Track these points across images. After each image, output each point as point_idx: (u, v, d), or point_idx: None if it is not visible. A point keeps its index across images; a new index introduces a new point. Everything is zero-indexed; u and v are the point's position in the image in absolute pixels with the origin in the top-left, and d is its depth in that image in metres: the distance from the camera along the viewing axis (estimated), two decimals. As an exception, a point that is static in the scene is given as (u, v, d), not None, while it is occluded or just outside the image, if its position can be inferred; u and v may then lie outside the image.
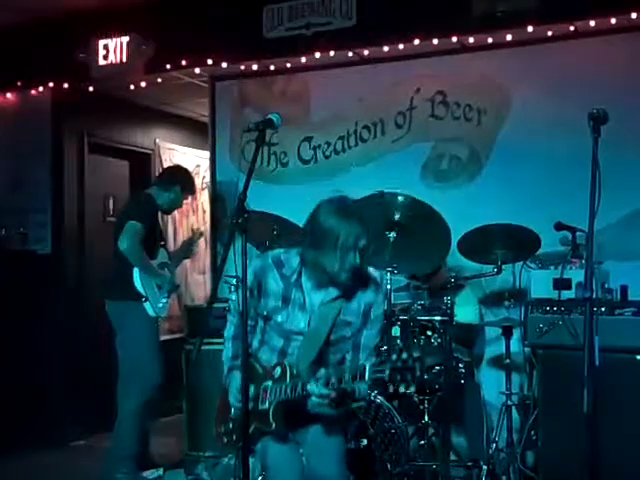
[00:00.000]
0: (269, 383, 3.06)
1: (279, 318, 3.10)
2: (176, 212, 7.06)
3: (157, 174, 7.38)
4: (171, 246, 6.67)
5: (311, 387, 2.89)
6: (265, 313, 3.13)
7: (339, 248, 2.94)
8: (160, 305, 5.10)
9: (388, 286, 4.51)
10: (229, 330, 3.28)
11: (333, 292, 3.09)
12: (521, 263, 4.61)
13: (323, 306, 3.09)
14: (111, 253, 5.23)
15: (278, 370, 3.05)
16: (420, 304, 4.64)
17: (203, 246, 7.70)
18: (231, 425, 3.19)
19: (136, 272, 4.98)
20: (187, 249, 5.63)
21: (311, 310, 3.10)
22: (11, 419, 5.97)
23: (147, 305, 5.00)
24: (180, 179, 5.38)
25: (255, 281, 3.09)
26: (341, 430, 3.26)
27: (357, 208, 3.08)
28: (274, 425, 3.01)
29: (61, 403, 6.32)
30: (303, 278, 3.11)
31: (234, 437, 3.18)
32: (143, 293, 4.99)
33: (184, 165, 6.33)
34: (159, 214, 5.34)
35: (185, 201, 5.60)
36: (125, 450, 4.93)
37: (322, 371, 2.97)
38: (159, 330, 5.28)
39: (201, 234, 5.83)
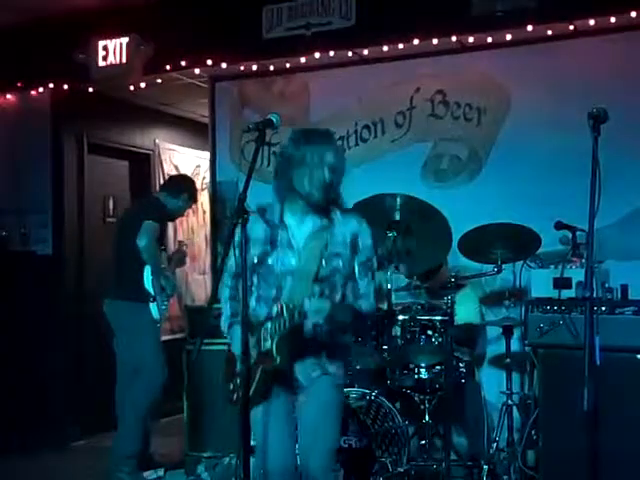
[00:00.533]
0: (268, 324, 3.08)
1: (269, 261, 3.15)
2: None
3: (158, 175, 7.45)
4: (171, 247, 6.67)
5: (306, 305, 2.94)
6: (256, 260, 3.17)
7: (307, 166, 3.07)
8: (163, 307, 5.13)
9: (389, 285, 4.52)
10: (224, 293, 3.28)
11: (317, 222, 3.17)
12: (521, 262, 4.62)
13: (309, 240, 3.15)
14: (111, 253, 5.24)
15: (275, 309, 3.07)
16: (420, 304, 4.64)
17: (203, 246, 7.73)
18: (238, 381, 3.16)
19: (147, 272, 5.00)
20: (178, 260, 5.63)
21: (298, 246, 3.15)
22: (11, 420, 5.98)
23: (153, 306, 5.02)
24: (188, 188, 5.48)
25: (242, 235, 3.12)
26: (339, 414, 3.28)
27: (322, 130, 3.26)
28: (278, 360, 3.02)
29: (61, 403, 6.32)
30: (286, 216, 3.19)
31: (241, 393, 3.14)
32: (152, 293, 5.01)
33: (187, 172, 6.41)
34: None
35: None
36: (128, 449, 4.94)
37: (315, 287, 3.03)
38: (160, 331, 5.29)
39: (186, 245, 5.90)
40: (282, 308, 3.02)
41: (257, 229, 3.18)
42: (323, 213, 3.18)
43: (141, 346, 5.02)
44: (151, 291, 5.01)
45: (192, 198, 5.51)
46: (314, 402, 3.19)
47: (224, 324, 3.27)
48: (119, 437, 5.03)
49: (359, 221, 3.23)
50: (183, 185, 5.49)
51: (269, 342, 3.05)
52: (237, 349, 3.12)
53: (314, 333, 3.08)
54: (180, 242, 6.06)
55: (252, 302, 3.20)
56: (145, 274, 5.00)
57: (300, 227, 3.19)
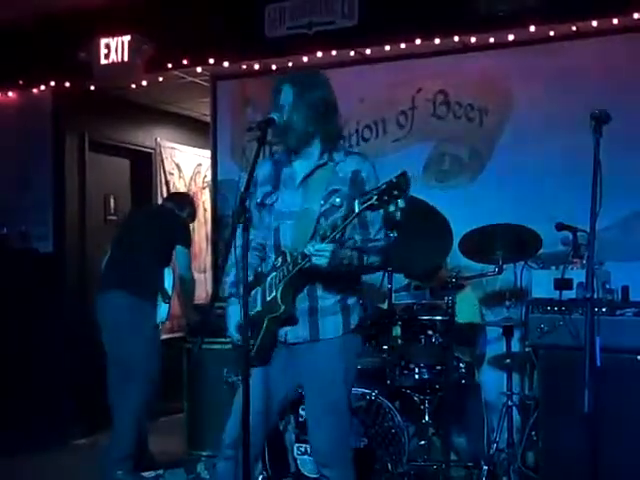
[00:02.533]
0: (273, 273, 3.09)
1: (268, 200, 3.16)
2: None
3: (159, 173, 7.46)
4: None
5: (308, 248, 2.90)
6: (259, 200, 3.19)
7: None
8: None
9: (389, 286, 4.52)
10: (231, 257, 3.17)
11: (315, 161, 3.14)
12: (522, 263, 4.62)
13: (309, 178, 3.13)
14: (124, 247, 5.21)
15: (279, 259, 3.07)
16: (421, 304, 4.64)
17: (204, 245, 7.73)
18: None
19: (168, 274, 5.01)
20: None
21: (296, 185, 3.14)
22: (12, 418, 5.97)
23: (164, 307, 4.99)
24: (191, 204, 5.51)
25: (245, 236, 3.05)
26: (342, 392, 3.16)
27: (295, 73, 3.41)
28: (283, 308, 3.02)
29: (63, 402, 6.31)
30: (292, 156, 3.18)
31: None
32: (170, 294, 5.01)
33: (188, 171, 6.37)
34: None
35: None
36: (123, 451, 4.89)
37: (319, 227, 2.99)
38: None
39: None
40: (285, 256, 3.03)
41: (264, 167, 3.22)
42: (324, 152, 3.15)
43: (147, 346, 4.96)
44: (170, 292, 5.01)
45: (193, 215, 5.55)
46: (311, 383, 3.14)
47: (229, 288, 3.25)
48: (113, 439, 4.99)
49: (362, 159, 3.19)
50: (187, 200, 5.56)
51: (274, 291, 3.04)
52: (233, 333, 3.16)
53: (315, 272, 3.00)
54: None
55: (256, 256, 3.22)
56: (166, 276, 5.00)
57: (300, 166, 3.17)
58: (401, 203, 2.80)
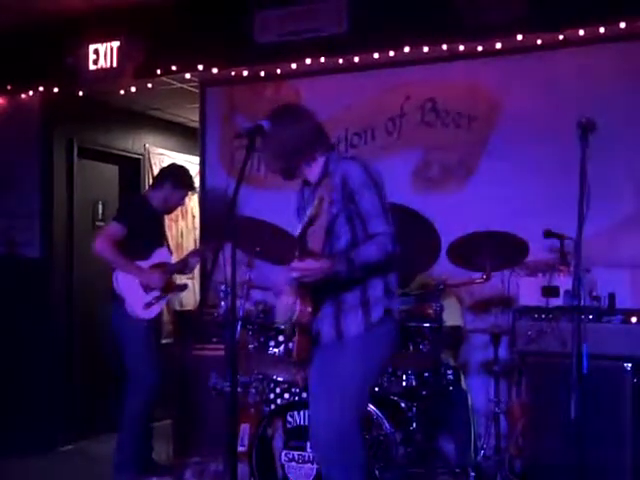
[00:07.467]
0: None
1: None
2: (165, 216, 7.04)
3: (147, 179, 7.44)
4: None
5: None
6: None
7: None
8: (143, 306, 4.98)
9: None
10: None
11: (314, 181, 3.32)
12: (510, 270, 4.63)
13: (312, 199, 3.19)
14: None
15: None
16: (408, 310, 4.64)
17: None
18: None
19: (115, 273, 4.94)
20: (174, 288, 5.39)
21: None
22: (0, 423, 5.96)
23: (128, 306, 4.93)
24: (171, 175, 5.29)
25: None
26: (349, 381, 3.19)
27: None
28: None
29: (50, 408, 6.28)
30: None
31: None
32: (122, 294, 4.92)
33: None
34: (155, 215, 5.27)
35: (186, 197, 5.50)
36: (124, 453, 4.91)
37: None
38: (153, 330, 5.14)
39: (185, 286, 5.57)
40: None
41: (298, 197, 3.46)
42: (318, 171, 3.29)
43: (127, 346, 4.99)
44: (119, 292, 4.92)
45: (179, 185, 5.27)
46: (317, 369, 3.24)
47: None
48: (117, 441, 4.99)
49: (348, 162, 3.28)
50: (166, 174, 5.33)
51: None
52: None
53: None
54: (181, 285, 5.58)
55: None
56: (114, 275, 4.94)
57: (309, 191, 3.36)
58: None
